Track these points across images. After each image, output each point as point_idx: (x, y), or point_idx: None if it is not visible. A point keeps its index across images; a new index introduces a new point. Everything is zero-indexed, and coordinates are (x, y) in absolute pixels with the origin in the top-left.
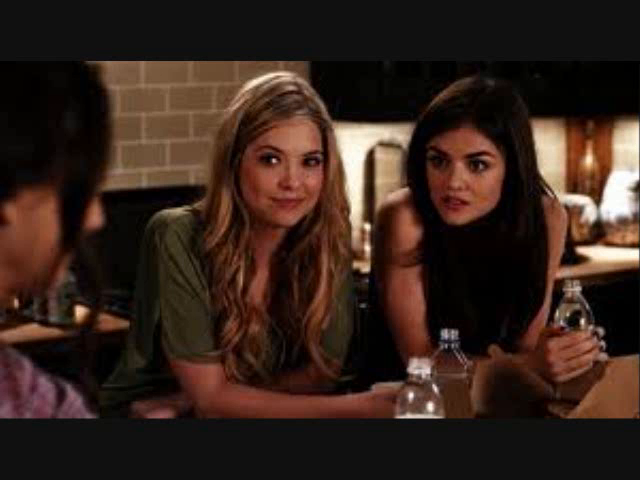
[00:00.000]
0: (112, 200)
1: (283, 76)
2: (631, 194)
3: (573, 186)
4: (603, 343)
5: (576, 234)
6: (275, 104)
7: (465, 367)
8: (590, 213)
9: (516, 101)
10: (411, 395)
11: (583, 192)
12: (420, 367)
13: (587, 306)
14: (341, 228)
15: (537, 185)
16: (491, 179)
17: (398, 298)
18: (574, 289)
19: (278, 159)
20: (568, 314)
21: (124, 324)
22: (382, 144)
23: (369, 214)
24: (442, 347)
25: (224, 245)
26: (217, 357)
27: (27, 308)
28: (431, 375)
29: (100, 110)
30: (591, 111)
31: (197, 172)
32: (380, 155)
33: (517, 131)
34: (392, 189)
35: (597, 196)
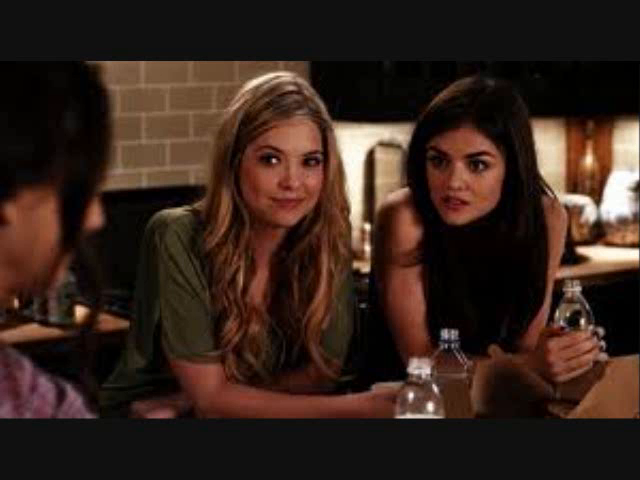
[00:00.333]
0: (112, 200)
1: (283, 76)
2: (631, 194)
3: (573, 186)
4: (603, 343)
5: (576, 234)
6: (275, 104)
7: (465, 367)
8: (590, 213)
9: (516, 101)
10: (411, 395)
11: (583, 192)
12: (420, 367)
13: (587, 306)
14: (341, 228)
15: (537, 185)
16: (491, 179)
17: (398, 298)
18: (574, 289)
19: (278, 159)
20: (568, 314)
21: (124, 324)
22: (382, 144)
23: (369, 214)
24: (442, 347)
25: (224, 245)
26: (217, 357)
27: (27, 308)
28: (431, 375)
29: (100, 110)
30: (591, 111)
31: (197, 172)
32: (380, 155)
33: (517, 131)
34: (392, 189)
35: (597, 196)
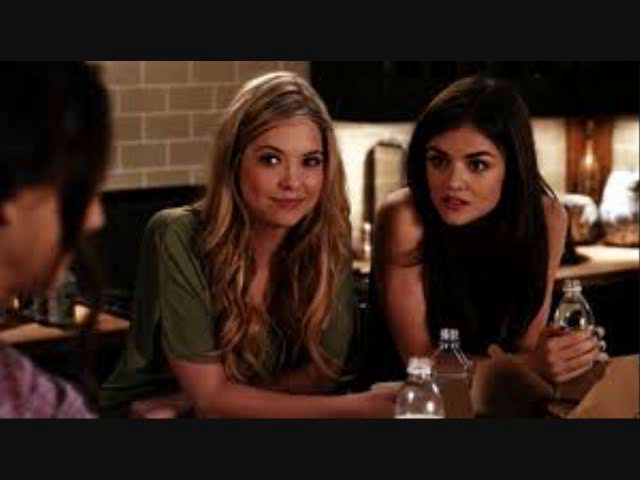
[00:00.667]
0: (112, 200)
1: (283, 76)
2: (631, 194)
3: (573, 186)
4: (603, 343)
5: (576, 234)
6: (275, 104)
7: (465, 367)
8: (590, 213)
9: (516, 101)
10: (411, 395)
11: (583, 192)
12: (420, 367)
13: (587, 306)
14: (341, 228)
15: (537, 185)
16: (491, 179)
17: (398, 298)
18: (574, 289)
19: (278, 159)
20: (568, 314)
21: (124, 324)
22: (382, 144)
23: (369, 214)
24: (442, 347)
25: (224, 245)
26: (217, 357)
27: (27, 308)
28: (431, 375)
29: (100, 110)
30: (591, 111)
31: (197, 172)
32: (380, 155)
33: (517, 131)
34: (392, 189)
35: (597, 196)
